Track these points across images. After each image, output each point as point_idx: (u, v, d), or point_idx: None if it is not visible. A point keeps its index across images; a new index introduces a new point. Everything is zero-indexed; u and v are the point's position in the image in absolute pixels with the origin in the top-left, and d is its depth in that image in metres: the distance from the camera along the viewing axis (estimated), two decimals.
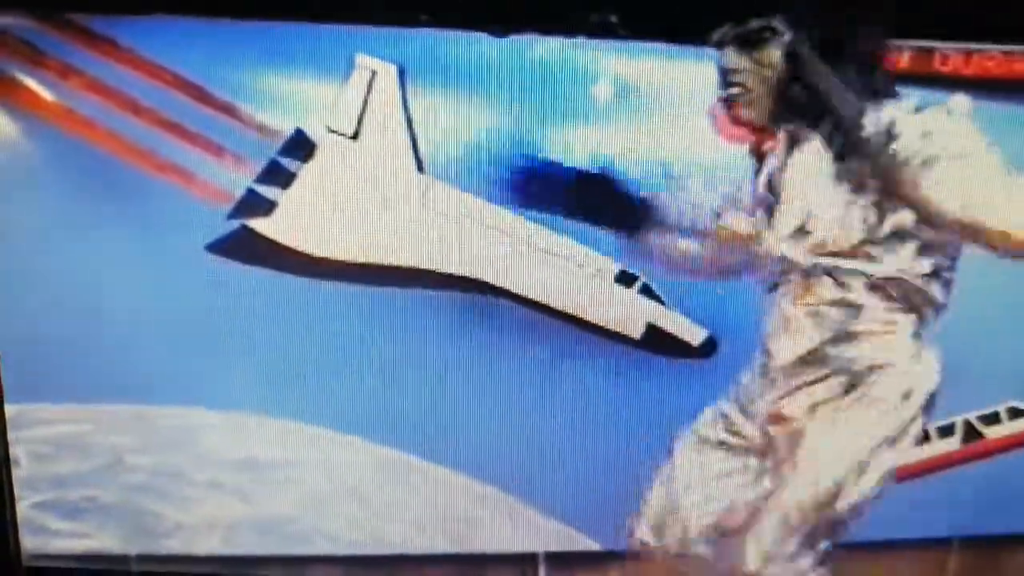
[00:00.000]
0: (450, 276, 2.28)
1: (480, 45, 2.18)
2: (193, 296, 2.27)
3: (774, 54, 1.66)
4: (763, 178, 1.75)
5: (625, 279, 2.28)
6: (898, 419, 1.69)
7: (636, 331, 2.30)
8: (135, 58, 2.19)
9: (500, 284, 2.28)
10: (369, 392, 2.34)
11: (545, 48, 2.19)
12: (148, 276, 2.26)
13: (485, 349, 2.32)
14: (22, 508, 2.36)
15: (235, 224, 2.25)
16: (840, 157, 1.61)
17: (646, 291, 2.28)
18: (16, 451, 2.34)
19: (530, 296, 2.28)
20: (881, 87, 1.62)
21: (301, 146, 2.22)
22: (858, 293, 1.66)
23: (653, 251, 1.88)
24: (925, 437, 2.29)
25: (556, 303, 2.28)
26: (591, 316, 2.30)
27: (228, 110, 2.20)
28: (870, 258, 1.64)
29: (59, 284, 2.26)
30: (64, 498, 2.36)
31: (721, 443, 1.83)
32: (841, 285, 1.66)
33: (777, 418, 1.71)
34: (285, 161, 2.23)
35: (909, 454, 2.21)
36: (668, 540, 1.88)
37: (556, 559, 2.42)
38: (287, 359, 2.32)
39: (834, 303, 1.67)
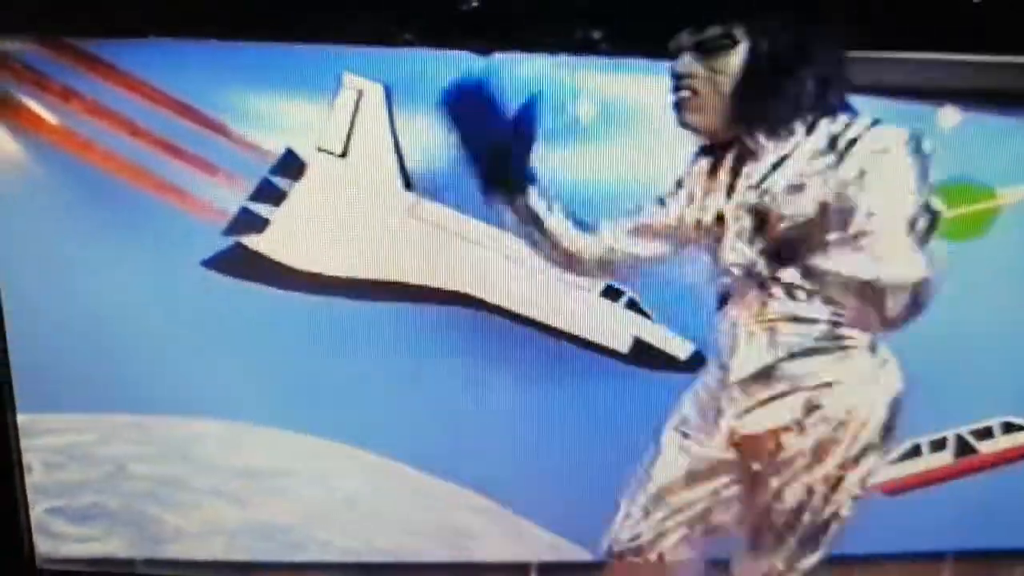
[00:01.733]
0: (440, 291, 2.32)
1: (464, 64, 2.20)
2: (191, 310, 2.33)
3: (731, 62, 1.64)
4: (714, 179, 1.71)
5: (611, 294, 2.29)
6: (862, 435, 1.65)
7: (624, 345, 2.31)
8: (132, 81, 2.25)
9: (488, 299, 2.31)
10: (364, 403, 2.38)
11: (529, 66, 2.21)
12: (148, 291, 2.33)
13: (478, 362, 2.35)
14: (36, 513, 2.46)
15: (230, 241, 2.31)
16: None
17: (632, 306, 2.29)
18: (29, 458, 2.43)
19: (518, 311, 2.31)
20: (836, 100, 1.59)
21: (292, 165, 2.27)
22: (812, 306, 1.62)
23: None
24: (916, 451, 2.27)
25: (544, 317, 2.30)
26: (579, 330, 2.31)
27: (221, 130, 2.26)
28: (823, 261, 1.59)
29: (66, 298, 2.34)
30: (73, 504, 2.45)
31: (690, 450, 1.81)
32: (794, 297, 1.62)
33: (740, 435, 1.69)
34: (276, 179, 2.28)
35: (895, 469, 2.21)
36: (645, 541, 1.86)
37: (548, 570, 2.45)
38: (284, 371, 2.37)
39: (788, 318, 1.64)
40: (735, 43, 1.64)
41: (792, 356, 1.63)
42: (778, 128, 1.61)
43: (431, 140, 2.23)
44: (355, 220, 2.29)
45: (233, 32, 2.19)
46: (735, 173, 1.67)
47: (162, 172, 2.28)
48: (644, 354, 2.31)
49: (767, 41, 1.61)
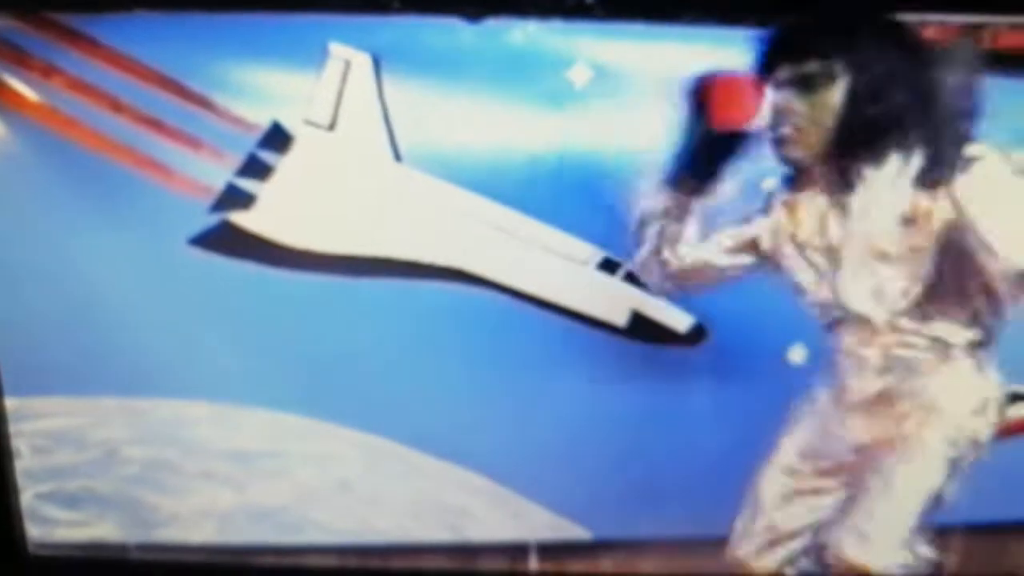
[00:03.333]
0: (432, 266, 2.26)
1: (454, 31, 2.14)
2: (180, 290, 2.28)
3: (830, 96, 1.61)
4: (812, 218, 1.70)
5: (608, 266, 2.23)
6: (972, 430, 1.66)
7: (621, 319, 2.26)
8: (115, 55, 2.20)
9: (481, 273, 2.25)
10: (359, 383, 2.33)
11: (520, 32, 2.15)
12: (136, 271, 2.28)
13: (473, 338, 2.29)
14: (25, 498, 2.42)
15: (217, 218, 2.25)
16: (927, 182, 1.55)
17: (631, 278, 2.23)
18: (17, 443, 2.39)
19: (512, 285, 2.25)
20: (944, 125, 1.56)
21: (278, 138, 2.21)
22: (919, 320, 1.63)
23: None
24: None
25: (538, 292, 2.25)
26: (575, 304, 2.26)
27: (205, 104, 2.20)
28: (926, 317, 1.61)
29: (52, 280, 2.29)
30: (63, 488, 2.41)
31: (802, 471, 1.81)
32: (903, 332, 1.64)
33: (860, 446, 1.72)
34: (263, 154, 2.22)
35: None
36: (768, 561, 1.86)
37: (547, 549, 2.40)
38: (276, 351, 2.32)
39: (900, 345, 1.65)
40: (834, 78, 1.60)
41: (907, 374, 1.62)
42: (882, 159, 1.57)
43: (421, 110, 2.18)
44: (344, 194, 2.24)
45: (217, 3, 2.14)
46: (837, 205, 1.64)
47: (146, 148, 2.23)
48: (641, 328, 2.26)
49: (866, 73, 1.58)
